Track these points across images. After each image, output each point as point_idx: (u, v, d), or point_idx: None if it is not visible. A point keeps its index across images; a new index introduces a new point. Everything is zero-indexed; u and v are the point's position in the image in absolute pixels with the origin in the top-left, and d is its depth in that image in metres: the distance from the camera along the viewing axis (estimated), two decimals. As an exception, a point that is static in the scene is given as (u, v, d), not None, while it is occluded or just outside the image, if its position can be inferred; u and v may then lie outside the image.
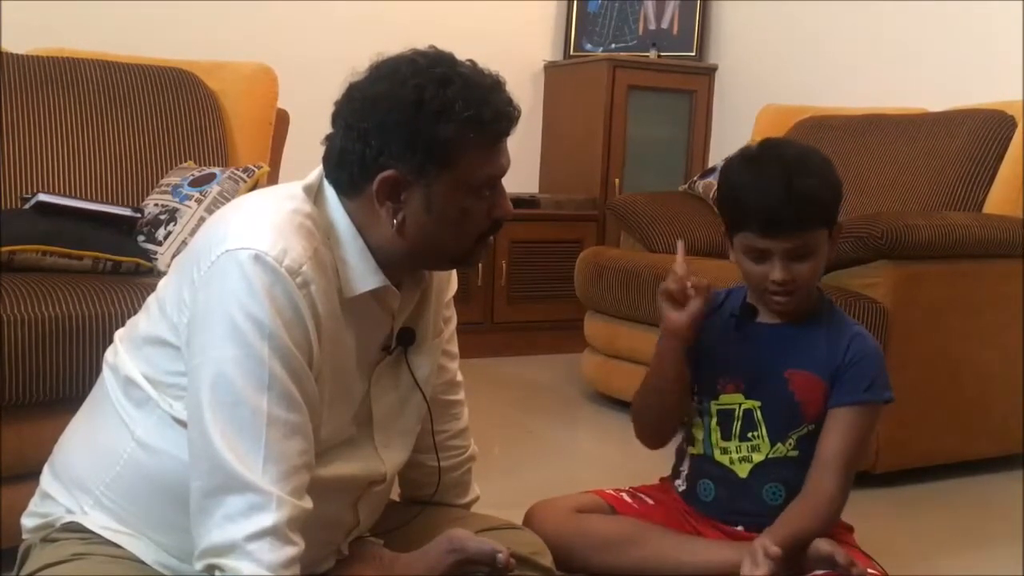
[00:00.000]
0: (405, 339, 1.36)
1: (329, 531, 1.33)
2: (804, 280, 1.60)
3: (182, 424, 1.19)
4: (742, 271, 1.65)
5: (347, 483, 1.33)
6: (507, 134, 1.27)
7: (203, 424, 1.12)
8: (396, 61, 1.25)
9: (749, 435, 1.66)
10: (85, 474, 1.27)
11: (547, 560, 1.49)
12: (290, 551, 1.11)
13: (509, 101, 1.26)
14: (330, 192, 1.28)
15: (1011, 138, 2.79)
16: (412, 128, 1.20)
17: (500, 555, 1.32)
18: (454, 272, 1.50)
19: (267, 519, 1.10)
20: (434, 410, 1.46)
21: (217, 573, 1.11)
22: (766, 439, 1.65)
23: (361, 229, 1.26)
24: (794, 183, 1.56)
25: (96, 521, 1.26)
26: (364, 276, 1.26)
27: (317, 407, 1.20)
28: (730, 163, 1.67)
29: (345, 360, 1.28)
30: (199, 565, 1.13)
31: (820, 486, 1.61)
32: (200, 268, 1.18)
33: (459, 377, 1.59)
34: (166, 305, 1.24)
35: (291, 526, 1.12)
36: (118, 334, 1.35)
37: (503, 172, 1.29)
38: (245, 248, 1.14)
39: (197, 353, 1.15)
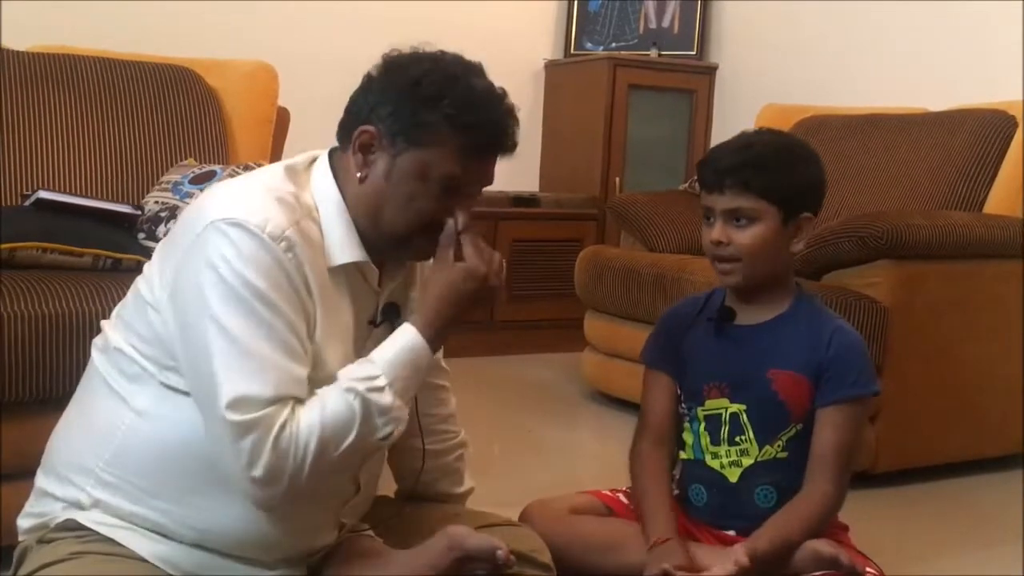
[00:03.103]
0: (390, 313, 1.40)
1: (329, 501, 1.36)
2: (743, 249, 1.60)
3: (176, 392, 1.24)
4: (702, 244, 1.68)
5: None
6: (484, 151, 1.31)
7: (213, 381, 1.17)
8: (430, 52, 1.34)
9: (737, 439, 1.65)
10: (84, 457, 1.29)
11: (546, 557, 1.50)
12: (296, 409, 1.20)
13: (504, 127, 1.31)
14: (320, 170, 1.34)
15: (1012, 138, 2.79)
16: (402, 101, 1.28)
17: (499, 552, 1.32)
18: None
19: (277, 423, 1.17)
20: (421, 393, 1.48)
21: (299, 480, 1.18)
22: (754, 442, 1.65)
23: (341, 187, 1.33)
24: (747, 147, 1.61)
25: (91, 516, 1.26)
26: (346, 248, 1.31)
27: (316, 367, 1.25)
28: None
29: (339, 329, 1.31)
30: (274, 501, 1.21)
31: (815, 486, 1.61)
32: (184, 244, 1.23)
33: (444, 364, 1.62)
34: (151, 284, 1.28)
35: (295, 408, 1.21)
36: (104, 323, 1.38)
37: (469, 182, 1.32)
38: (227, 218, 1.20)
39: (193, 320, 1.20)
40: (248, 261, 1.19)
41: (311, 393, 1.24)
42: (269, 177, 1.31)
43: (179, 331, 1.22)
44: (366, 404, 1.23)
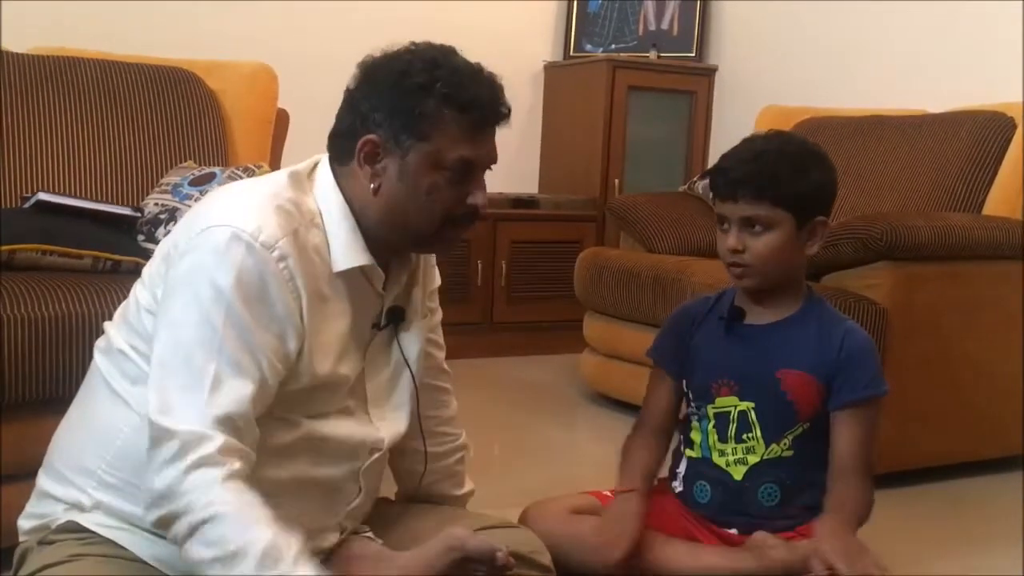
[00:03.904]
0: (395, 317, 1.40)
1: (332, 500, 1.36)
2: (757, 255, 1.61)
3: None
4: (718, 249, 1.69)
5: (348, 448, 1.36)
6: (486, 124, 1.32)
7: (152, 380, 1.17)
8: (401, 47, 1.33)
9: (744, 437, 1.66)
10: (85, 459, 1.29)
11: (545, 559, 1.50)
12: (227, 469, 1.12)
13: (495, 96, 1.31)
14: (323, 174, 1.34)
15: (1011, 139, 2.80)
16: (395, 98, 1.28)
17: (499, 553, 1.32)
18: (436, 266, 1.54)
19: (200, 451, 1.12)
20: (423, 395, 1.50)
21: (173, 526, 1.12)
22: (761, 440, 1.66)
23: (347, 195, 1.32)
24: (762, 155, 1.61)
25: (92, 518, 1.26)
26: (351, 253, 1.31)
27: (273, 383, 1.22)
28: None
29: (343, 334, 1.31)
30: (151, 518, 1.15)
31: (847, 493, 1.61)
32: (179, 247, 1.24)
33: (446, 366, 1.62)
34: (148, 285, 1.29)
35: (226, 452, 1.13)
36: (107, 324, 1.38)
37: (480, 161, 1.32)
38: (222, 226, 1.21)
39: (160, 318, 1.21)
40: (231, 270, 1.18)
41: (264, 409, 1.21)
42: (272, 183, 1.31)
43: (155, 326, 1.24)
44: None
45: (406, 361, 1.44)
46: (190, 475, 1.11)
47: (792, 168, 1.60)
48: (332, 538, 1.38)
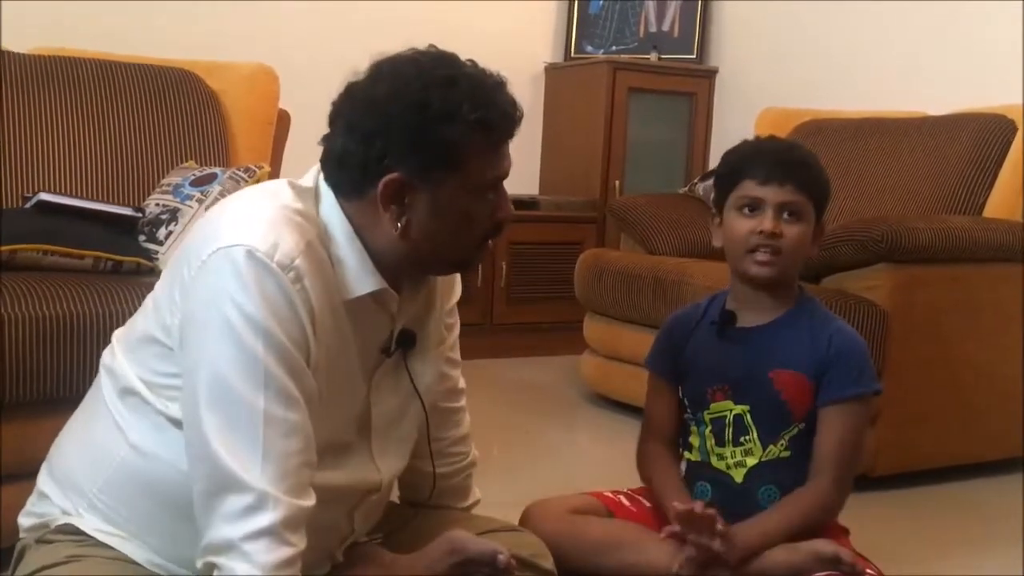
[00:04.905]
0: (405, 342, 1.34)
1: (323, 537, 1.31)
2: (788, 244, 1.61)
3: (176, 425, 1.18)
4: (729, 236, 1.67)
5: (342, 493, 1.31)
6: (512, 136, 1.25)
7: (200, 426, 1.11)
8: (397, 61, 1.23)
9: (741, 439, 1.66)
10: (79, 476, 1.26)
11: (548, 562, 1.48)
12: (286, 552, 1.10)
13: (513, 102, 1.24)
14: (327, 193, 1.25)
15: (1011, 142, 2.80)
16: (418, 130, 1.17)
17: (501, 556, 1.31)
18: (458, 278, 1.48)
19: (263, 519, 1.09)
20: (435, 417, 1.45)
21: (215, 572, 1.11)
22: (757, 442, 1.66)
23: (361, 231, 1.23)
24: (794, 147, 1.70)
25: (89, 524, 1.25)
26: (361, 278, 1.23)
27: (316, 404, 1.18)
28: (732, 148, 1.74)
29: (345, 359, 1.26)
30: (200, 563, 1.13)
31: (814, 484, 1.62)
32: (191, 268, 1.16)
33: (461, 384, 1.56)
34: (159, 305, 1.23)
35: (288, 526, 1.11)
36: (116, 334, 1.33)
37: (506, 174, 1.27)
38: (236, 245, 1.12)
39: (191, 353, 1.14)
40: (253, 295, 1.11)
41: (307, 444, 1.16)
42: (279, 194, 1.22)
43: (181, 361, 1.17)
44: None
45: (417, 391, 1.38)
46: (250, 543, 1.08)
47: (818, 163, 1.68)
48: (325, 567, 1.35)
